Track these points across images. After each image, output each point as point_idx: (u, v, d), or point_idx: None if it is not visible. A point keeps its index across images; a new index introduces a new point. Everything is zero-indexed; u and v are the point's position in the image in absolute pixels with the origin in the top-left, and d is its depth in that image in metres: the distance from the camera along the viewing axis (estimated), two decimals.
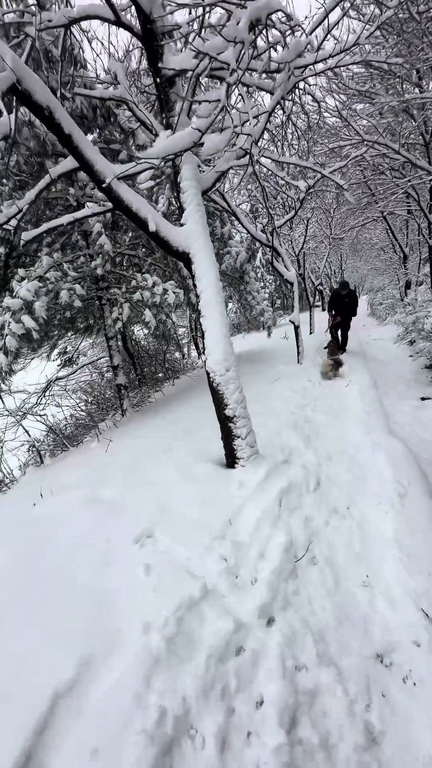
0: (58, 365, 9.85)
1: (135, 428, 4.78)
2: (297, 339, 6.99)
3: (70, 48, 4.04)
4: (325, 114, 7.72)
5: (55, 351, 9.69)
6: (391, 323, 13.70)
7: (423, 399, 5.83)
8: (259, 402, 4.90)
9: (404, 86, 6.85)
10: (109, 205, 2.83)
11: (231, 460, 2.86)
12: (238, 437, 2.75)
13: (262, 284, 20.31)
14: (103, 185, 2.40)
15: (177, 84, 2.71)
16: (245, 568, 1.99)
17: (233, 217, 7.64)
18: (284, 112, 3.97)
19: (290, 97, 3.78)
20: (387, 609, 1.84)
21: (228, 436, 2.79)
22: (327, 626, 1.71)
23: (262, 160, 3.45)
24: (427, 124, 7.62)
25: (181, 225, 2.82)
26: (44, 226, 2.98)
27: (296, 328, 6.97)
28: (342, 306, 7.21)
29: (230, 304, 14.66)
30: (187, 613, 1.61)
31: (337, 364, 6.81)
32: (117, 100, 2.94)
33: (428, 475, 3.16)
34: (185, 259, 2.81)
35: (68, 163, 2.54)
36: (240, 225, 6.82)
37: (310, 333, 12.21)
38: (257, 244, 8.17)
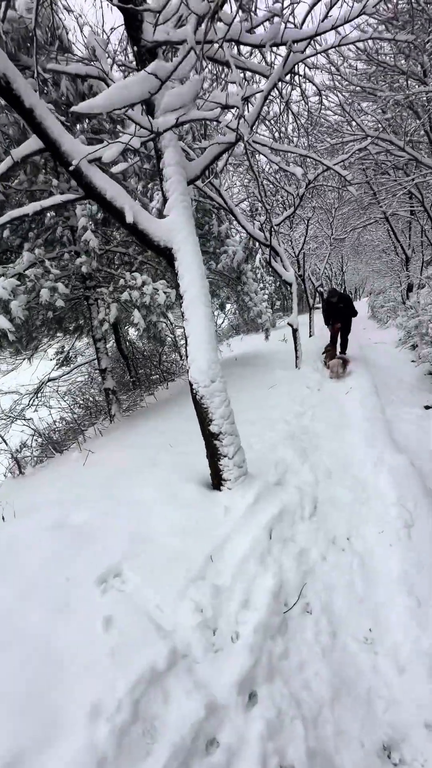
0: (55, 365, 9.53)
1: (120, 437, 4.47)
2: (295, 343, 6.68)
3: (52, 27, 3.73)
4: (327, 112, 7.45)
5: (51, 351, 9.38)
6: (392, 327, 13.41)
7: (427, 408, 5.53)
8: (254, 410, 4.59)
9: (408, 83, 6.56)
10: (83, 193, 2.52)
11: (217, 481, 2.55)
12: (225, 456, 2.44)
13: (261, 285, 20.03)
14: (71, 168, 2.09)
15: (158, 56, 2.40)
16: (225, 619, 1.67)
17: (230, 215, 7.34)
18: (282, 98, 3.67)
19: (288, 79, 3.49)
20: (394, 676, 1.52)
21: (213, 455, 2.48)
22: (321, 703, 1.39)
23: (258, 146, 3.14)
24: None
25: (164, 217, 2.51)
26: (6, 216, 2.67)
27: (294, 331, 6.66)
28: (338, 312, 6.90)
29: (228, 306, 14.36)
30: (148, 691, 1.30)
31: (345, 362, 6.60)
32: (93, 77, 2.63)
33: None
34: (167, 254, 2.50)
35: (32, 143, 2.24)
36: (237, 223, 6.52)
37: (310, 336, 11.90)
38: (255, 243, 7.87)
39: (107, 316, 4.94)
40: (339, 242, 12.94)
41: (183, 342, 14.72)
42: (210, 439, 2.44)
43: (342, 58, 7.16)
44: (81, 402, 7.23)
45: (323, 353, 7.31)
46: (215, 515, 2.31)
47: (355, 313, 6.92)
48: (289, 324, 6.68)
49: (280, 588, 1.85)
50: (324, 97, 5.98)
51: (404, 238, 13.53)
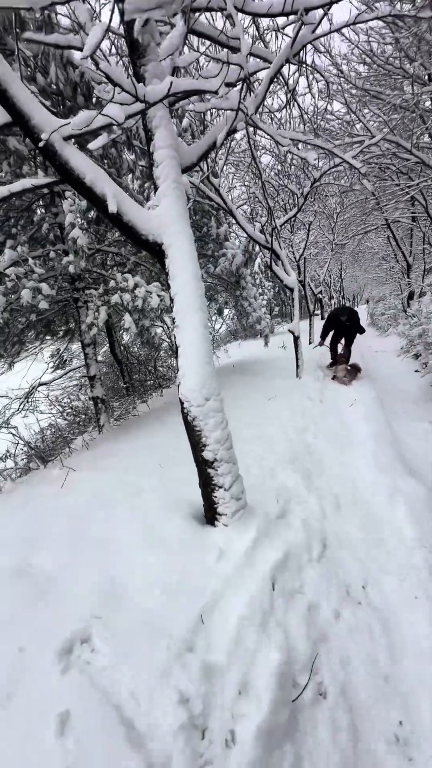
0: (51, 369, 9.11)
1: (105, 453, 4.08)
2: (296, 351, 6.35)
3: None
4: (330, 116, 7.20)
5: (47, 353, 8.96)
6: (393, 335, 13.14)
7: None
8: (252, 425, 4.24)
9: (414, 87, 6.32)
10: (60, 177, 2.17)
11: (211, 514, 2.18)
12: (220, 487, 2.07)
13: (260, 291, 19.79)
14: (40, 144, 1.74)
15: (150, 23, 2.07)
16: (218, 714, 1.30)
17: (230, 216, 7.03)
18: (288, 88, 3.35)
19: (296, 66, 3.18)
20: None
21: (207, 485, 2.12)
22: None
23: (264, 127, 2.82)
24: None
25: (154, 207, 2.16)
26: None
27: (296, 338, 6.33)
28: (342, 327, 6.58)
29: (226, 311, 14.06)
30: None
31: (355, 370, 6.46)
32: (75, 48, 2.30)
33: None
34: (157, 251, 2.15)
35: None
36: (237, 225, 6.21)
37: (310, 343, 11.59)
38: (255, 247, 7.56)
39: (96, 320, 4.58)
40: (340, 248, 12.68)
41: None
42: (203, 466, 2.08)
43: (345, 60, 6.95)
44: (69, 409, 6.81)
45: (329, 367, 7.01)
46: (207, 562, 1.94)
47: (362, 331, 6.60)
48: (290, 331, 6.35)
49: (286, 663, 1.48)
50: (329, 100, 5.71)
51: (405, 246, 13.32)
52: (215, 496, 2.10)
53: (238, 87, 2.44)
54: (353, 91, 6.45)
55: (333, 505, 2.72)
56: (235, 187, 8.45)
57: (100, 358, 11.95)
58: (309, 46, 3.36)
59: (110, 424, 5.73)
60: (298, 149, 3.22)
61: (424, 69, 6.14)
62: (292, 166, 6.85)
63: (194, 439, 2.04)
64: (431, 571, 2.03)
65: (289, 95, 3.37)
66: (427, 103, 6.98)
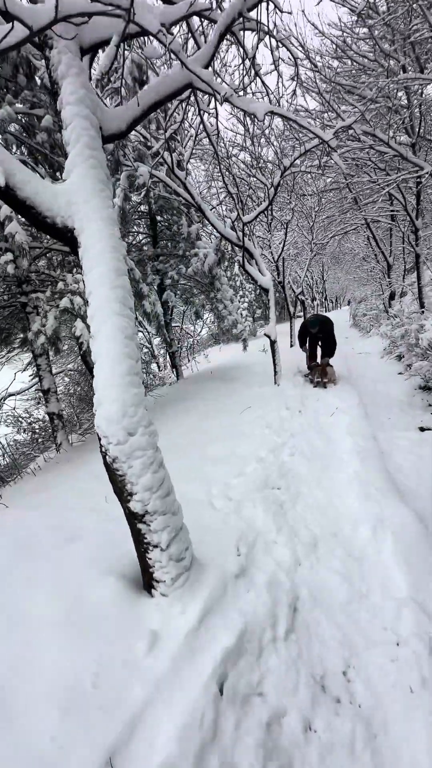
0: (26, 379, 8.46)
1: (49, 481, 3.54)
2: (274, 356, 5.91)
3: None
4: (303, 113, 6.85)
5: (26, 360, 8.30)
6: (375, 335, 12.91)
7: (422, 430, 4.82)
8: (222, 441, 3.75)
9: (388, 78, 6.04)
10: None
11: (147, 578, 1.67)
12: (155, 547, 1.57)
13: (240, 293, 19.42)
14: None
15: None
16: None
17: (200, 213, 6.58)
18: (245, 54, 2.90)
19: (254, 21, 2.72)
20: None
21: (139, 543, 1.61)
22: None
23: (215, 87, 2.34)
24: (413, 119, 6.86)
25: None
26: None
27: (272, 343, 5.89)
28: (316, 338, 6.13)
29: (205, 314, 13.62)
30: None
31: (325, 370, 5.97)
32: None
33: None
34: (68, 238, 1.65)
35: None
36: (209, 223, 5.76)
37: (291, 346, 11.22)
38: (228, 246, 7.13)
39: (44, 327, 4.03)
40: (320, 249, 12.40)
41: (163, 349, 13.83)
42: (132, 520, 1.58)
43: (319, 54, 6.64)
44: (27, 425, 6.20)
45: (307, 375, 6.58)
46: (135, 653, 1.43)
47: (333, 344, 6.10)
48: (266, 335, 5.91)
49: None
50: (299, 82, 5.34)
51: (385, 246, 13.14)
52: (149, 558, 1.60)
53: (180, 36, 1.97)
54: (326, 87, 6.13)
55: (308, 545, 2.25)
56: (204, 181, 8.00)
57: (72, 365, 11.34)
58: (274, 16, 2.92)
59: (69, 441, 5.17)
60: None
61: (398, 62, 5.86)
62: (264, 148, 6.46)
63: (117, 486, 1.53)
64: (428, 642, 1.57)
65: (248, 63, 2.91)
66: (400, 94, 6.72)
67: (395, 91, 6.39)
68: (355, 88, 6.07)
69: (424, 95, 6.88)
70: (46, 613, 1.67)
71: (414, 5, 4.97)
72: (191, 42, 4.03)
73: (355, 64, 6.34)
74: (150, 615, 1.57)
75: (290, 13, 2.62)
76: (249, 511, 2.43)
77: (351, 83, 6.14)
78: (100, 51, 2.11)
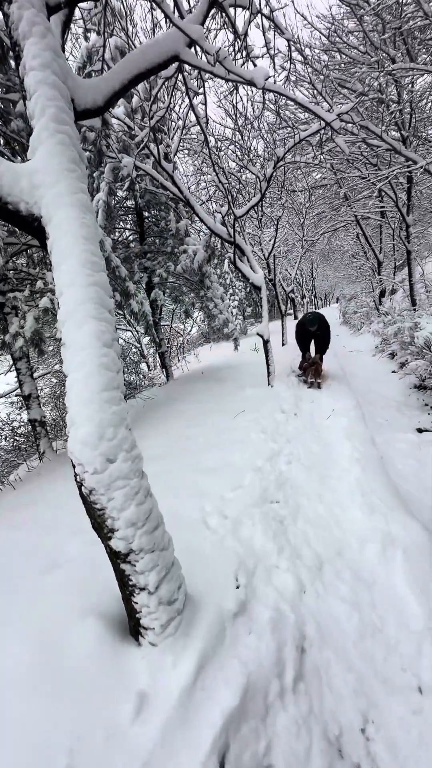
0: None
1: (30, 498, 3.27)
2: (267, 356, 5.70)
3: None
4: (290, 108, 6.64)
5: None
6: (366, 333, 12.85)
7: (420, 431, 4.69)
8: (215, 449, 3.53)
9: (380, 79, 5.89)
10: None
11: (134, 624, 1.44)
12: (142, 589, 1.34)
13: (230, 291, 19.21)
14: None
15: None
16: None
17: (188, 208, 6.32)
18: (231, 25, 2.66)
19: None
20: None
21: (124, 585, 1.38)
22: None
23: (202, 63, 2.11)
24: (403, 113, 6.73)
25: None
26: None
27: (265, 342, 5.69)
28: (312, 335, 6.06)
29: (195, 312, 13.36)
30: None
31: (318, 369, 5.85)
32: None
33: None
34: (35, 227, 1.40)
35: None
36: (198, 218, 5.51)
37: (283, 344, 11.06)
38: (218, 242, 6.89)
39: (22, 329, 3.75)
40: (310, 246, 12.24)
41: (153, 349, 13.54)
42: (114, 560, 1.34)
43: (309, 47, 6.47)
44: (6, 434, 5.88)
45: (299, 375, 6.44)
46: (119, 720, 1.20)
47: (329, 341, 6.07)
48: (258, 334, 5.70)
49: None
50: (292, 67, 5.14)
51: (375, 243, 13.07)
52: (136, 602, 1.37)
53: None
54: (317, 78, 5.94)
55: (313, 568, 2.04)
56: (193, 175, 7.74)
57: (59, 366, 10.96)
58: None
59: (53, 449, 4.88)
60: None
61: (387, 55, 5.69)
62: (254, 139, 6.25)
63: (95, 521, 1.30)
64: None
65: (239, 44, 2.67)
66: (391, 89, 6.57)
67: (386, 84, 6.25)
68: (346, 81, 5.91)
69: (414, 89, 6.76)
70: (13, 664, 1.43)
71: None
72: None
73: (344, 57, 6.17)
74: (137, 669, 1.34)
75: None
76: (247, 531, 2.21)
77: (341, 77, 5.97)
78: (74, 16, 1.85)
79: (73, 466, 1.28)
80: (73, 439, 1.23)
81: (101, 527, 1.29)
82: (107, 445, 1.21)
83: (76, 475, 1.27)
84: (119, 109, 5.86)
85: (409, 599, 1.84)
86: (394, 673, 1.52)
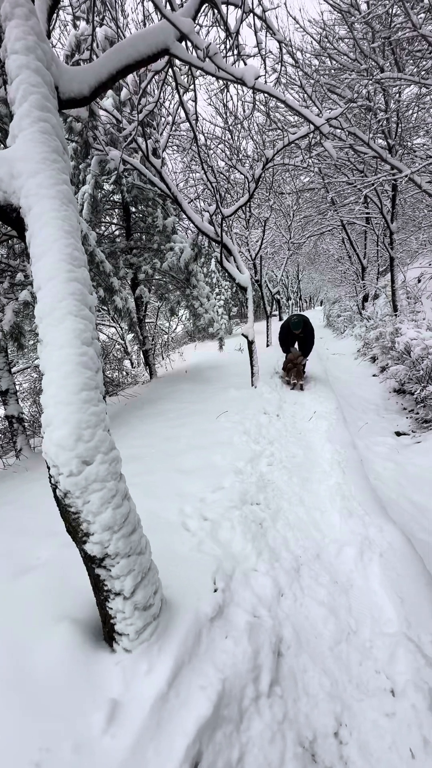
0: None
1: (4, 498, 3.17)
2: (251, 357, 5.71)
3: None
4: (280, 110, 6.68)
5: None
6: (349, 336, 13.07)
7: (398, 434, 4.80)
8: (197, 450, 3.51)
9: (369, 87, 5.98)
10: None
11: (108, 630, 1.40)
12: (117, 594, 1.31)
13: (216, 290, 19.20)
14: None
15: None
16: None
17: (176, 205, 6.26)
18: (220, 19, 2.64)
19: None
20: None
21: (98, 590, 1.34)
22: None
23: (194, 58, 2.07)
24: (390, 122, 6.86)
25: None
26: None
27: (250, 343, 5.69)
28: (296, 338, 6.14)
29: (181, 311, 13.29)
30: None
31: (300, 371, 5.91)
32: None
33: None
34: (11, 218, 1.34)
35: None
36: (186, 216, 5.46)
37: (267, 345, 11.12)
38: (205, 241, 6.86)
39: (0, 322, 3.62)
40: (297, 248, 12.35)
41: (136, 346, 13.38)
42: (89, 564, 1.31)
43: (300, 51, 6.51)
44: None
45: (282, 376, 6.50)
46: (90, 730, 1.17)
47: (312, 344, 6.15)
48: (243, 335, 5.71)
49: None
50: (283, 70, 5.18)
51: (360, 248, 13.30)
52: (110, 608, 1.33)
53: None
54: (307, 82, 5.98)
55: (291, 571, 2.05)
56: (181, 172, 7.68)
57: (37, 362, 10.70)
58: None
59: (31, 447, 4.75)
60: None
61: (376, 64, 5.78)
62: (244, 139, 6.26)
63: (69, 524, 1.26)
64: (427, 693, 1.40)
65: (231, 42, 2.65)
66: (378, 97, 6.69)
67: (374, 92, 6.36)
68: (336, 87, 5.97)
69: (401, 99, 6.89)
70: None
71: (395, 6, 4.90)
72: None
73: (335, 63, 6.25)
74: (110, 677, 1.31)
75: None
76: (227, 534, 2.20)
77: (331, 82, 6.04)
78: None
79: (48, 468, 1.23)
80: (49, 440, 1.18)
81: (76, 531, 1.25)
82: (84, 447, 1.17)
83: (50, 476, 1.23)
84: (107, 101, 5.75)
85: (385, 603, 1.87)
86: (369, 676, 1.53)
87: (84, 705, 1.24)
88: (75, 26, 4.87)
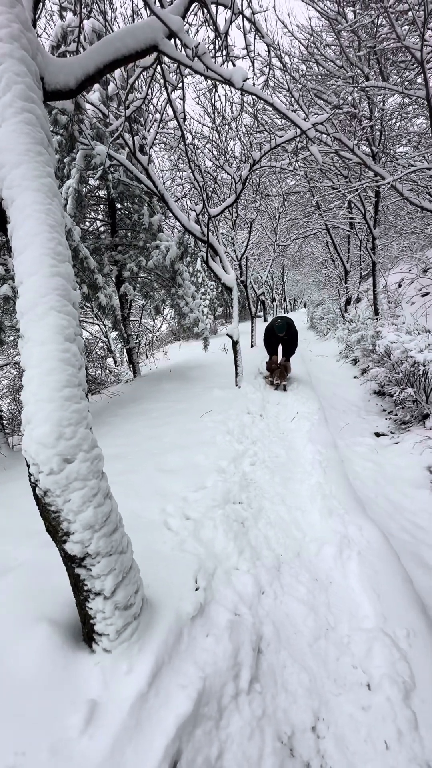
0: None
1: None
2: (235, 357, 5.73)
3: None
4: (268, 113, 6.75)
5: None
6: (332, 339, 13.30)
7: (378, 435, 4.91)
8: (180, 450, 3.50)
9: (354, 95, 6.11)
10: None
11: (88, 630, 1.39)
12: (97, 594, 1.29)
13: (202, 290, 19.19)
14: None
15: None
16: None
17: (162, 204, 6.23)
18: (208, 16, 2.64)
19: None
20: None
21: (78, 590, 1.33)
22: None
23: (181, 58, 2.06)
24: (374, 130, 7.02)
25: None
26: None
27: (235, 344, 5.71)
28: (280, 340, 6.24)
29: (166, 309, 13.21)
30: None
31: (286, 369, 6.04)
32: None
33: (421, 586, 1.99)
34: None
35: None
36: (172, 215, 5.43)
37: (252, 346, 11.19)
38: (192, 240, 6.84)
39: None
40: (282, 250, 12.48)
41: (120, 344, 13.23)
42: (69, 564, 1.29)
43: (288, 55, 6.58)
44: None
45: (266, 377, 6.56)
46: (68, 731, 1.15)
47: (296, 346, 6.26)
48: (228, 335, 5.72)
49: None
50: (271, 73, 5.22)
51: (343, 252, 13.55)
52: (90, 608, 1.32)
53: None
54: (294, 87, 6.06)
55: (272, 569, 2.07)
56: (169, 170, 7.64)
57: (17, 358, 10.42)
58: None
59: (9, 445, 4.63)
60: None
61: (362, 72, 5.90)
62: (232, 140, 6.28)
63: (49, 524, 1.23)
64: (401, 686, 1.45)
65: (219, 42, 2.65)
66: (363, 105, 6.83)
67: (359, 100, 6.49)
68: (323, 92, 6.07)
69: (385, 107, 7.06)
70: None
71: (381, 17, 5.01)
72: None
73: (322, 69, 6.35)
74: (89, 678, 1.29)
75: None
76: (209, 533, 2.21)
77: (318, 87, 6.13)
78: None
79: (28, 466, 1.20)
80: (29, 438, 1.16)
81: (56, 530, 1.23)
82: (65, 445, 1.16)
83: (30, 475, 1.20)
84: (94, 95, 5.66)
85: (362, 599, 1.91)
86: (346, 671, 1.57)
87: (62, 707, 1.22)
88: (62, 17, 4.79)
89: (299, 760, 1.26)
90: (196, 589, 1.73)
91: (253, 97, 3.14)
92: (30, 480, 1.22)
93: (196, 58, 1.74)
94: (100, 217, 7.76)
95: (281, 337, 6.07)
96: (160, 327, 19.58)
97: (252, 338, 11.37)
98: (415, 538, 2.64)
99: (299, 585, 1.99)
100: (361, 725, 1.35)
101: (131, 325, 10.45)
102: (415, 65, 5.47)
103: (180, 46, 1.93)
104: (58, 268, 1.25)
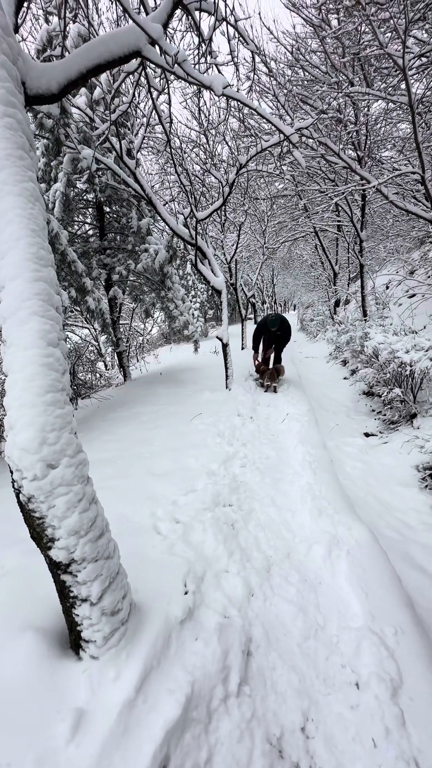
0: None
1: None
2: (225, 360, 5.75)
3: None
4: (255, 117, 6.81)
5: None
6: (321, 340, 13.41)
7: (367, 435, 4.97)
8: (170, 453, 3.49)
9: (339, 100, 6.21)
10: None
11: (74, 637, 1.37)
12: (84, 601, 1.28)
13: (192, 293, 19.20)
14: None
15: None
16: None
17: (150, 207, 6.23)
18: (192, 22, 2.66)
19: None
20: None
21: (64, 596, 1.31)
22: None
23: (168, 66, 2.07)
24: (359, 134, 7.13)
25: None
26: None
27: (224, 346, 5.73)
28: (273, 337, 6.28)
29: (156, 312, 13.19)
30: None
31: (278, 372, 6.08)
32: None
33: (410, 586, 2.01)
34: None
35: None
36: (160, 218, 5.44)
37: (242, 348, 11.23)
38: (180, 243, 6.85)
39: None
40: (271, 253, 12.57)
41: (110, 348, 13.16)
42: (54, 570, 1.27)
43: (274, 61, 6.65)
44: None
45: (257, 379, 6.60)
46: (55, 740, 1.14)
47: (287, 341, 6.36)
48: (218, 338, 5.74)
49: None
50: (256, 76, 5.27)
51: (332, 254, 13.71)
52: (77, 615, 1.30)
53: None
54: (280, 92, 6.13)
55: (261, 571, 2.08)
56: (157, 174, 7.66)
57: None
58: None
59: None
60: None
61: (347, 78, 6.00)
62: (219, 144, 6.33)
63: (33, 530, 1.22)
64: (389, 684, 1.46)
65: (204, 48, 2.67)
66: (349, 110, 6.94)
67: (345, 105, 6.59)
68: (308, 98, 6.15)
69: (370, 112, 7.18)
70: None
71: (363, 24, 5.10)
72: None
73: (307, 74, 6.44)
74: (76, 685, 1.28)
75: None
76: (198, 536, 2.20)
77: (303, 93, 6.21)
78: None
79: (11, 472, 1.19)
80: (12, 443, 1.15)
81: (40, 537, 1.22)
82: (49, 450, 1.15)
83: (13, 481, 1.19)
84: (80, 99, 5.65)
85: (351, 598, 1.93)
86: (335, 670, 1.57)
87: (48, 716, 1.20)
88: (47, 21, 4.78)
89: (288, 761, 1.26)
90: (186, 593, 1.72)
91: (238, 102, 3.17)
92: (14, 486, 1.20)
93: (176, 65, 1.76)
94: (88, 220, 7.73)
95: (274, 332, 6.08)
96: (151, 330, 19.53)
97: (242, 341, 11.41)
98: (403, 536, 2.67)
99: (289, 586, 1.99)
100: (349, 724, 1.36)
101: (121, 329, 10.41)
102: (398, 72, 5.58)
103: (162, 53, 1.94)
104: (40, 272, 1.24)
